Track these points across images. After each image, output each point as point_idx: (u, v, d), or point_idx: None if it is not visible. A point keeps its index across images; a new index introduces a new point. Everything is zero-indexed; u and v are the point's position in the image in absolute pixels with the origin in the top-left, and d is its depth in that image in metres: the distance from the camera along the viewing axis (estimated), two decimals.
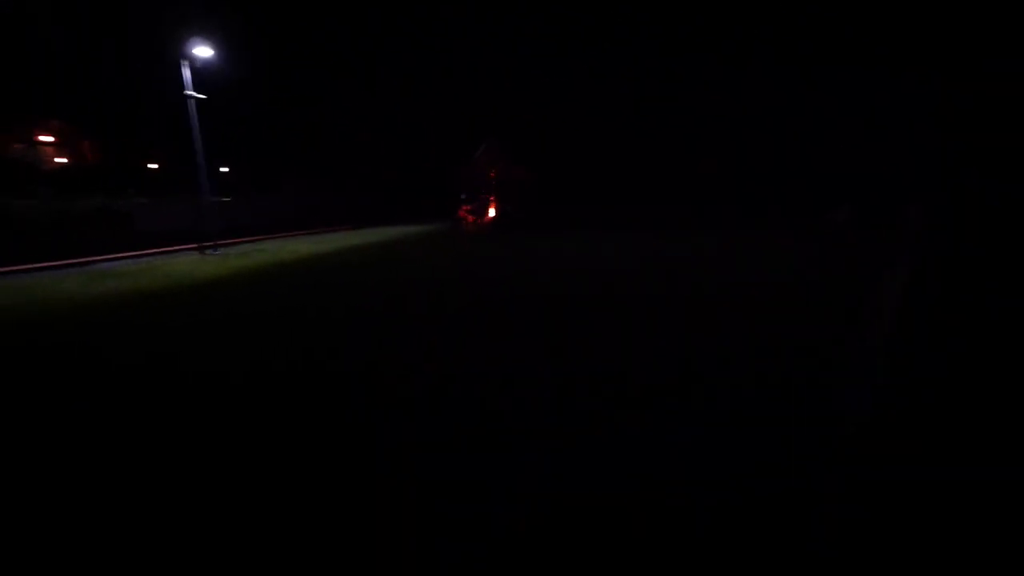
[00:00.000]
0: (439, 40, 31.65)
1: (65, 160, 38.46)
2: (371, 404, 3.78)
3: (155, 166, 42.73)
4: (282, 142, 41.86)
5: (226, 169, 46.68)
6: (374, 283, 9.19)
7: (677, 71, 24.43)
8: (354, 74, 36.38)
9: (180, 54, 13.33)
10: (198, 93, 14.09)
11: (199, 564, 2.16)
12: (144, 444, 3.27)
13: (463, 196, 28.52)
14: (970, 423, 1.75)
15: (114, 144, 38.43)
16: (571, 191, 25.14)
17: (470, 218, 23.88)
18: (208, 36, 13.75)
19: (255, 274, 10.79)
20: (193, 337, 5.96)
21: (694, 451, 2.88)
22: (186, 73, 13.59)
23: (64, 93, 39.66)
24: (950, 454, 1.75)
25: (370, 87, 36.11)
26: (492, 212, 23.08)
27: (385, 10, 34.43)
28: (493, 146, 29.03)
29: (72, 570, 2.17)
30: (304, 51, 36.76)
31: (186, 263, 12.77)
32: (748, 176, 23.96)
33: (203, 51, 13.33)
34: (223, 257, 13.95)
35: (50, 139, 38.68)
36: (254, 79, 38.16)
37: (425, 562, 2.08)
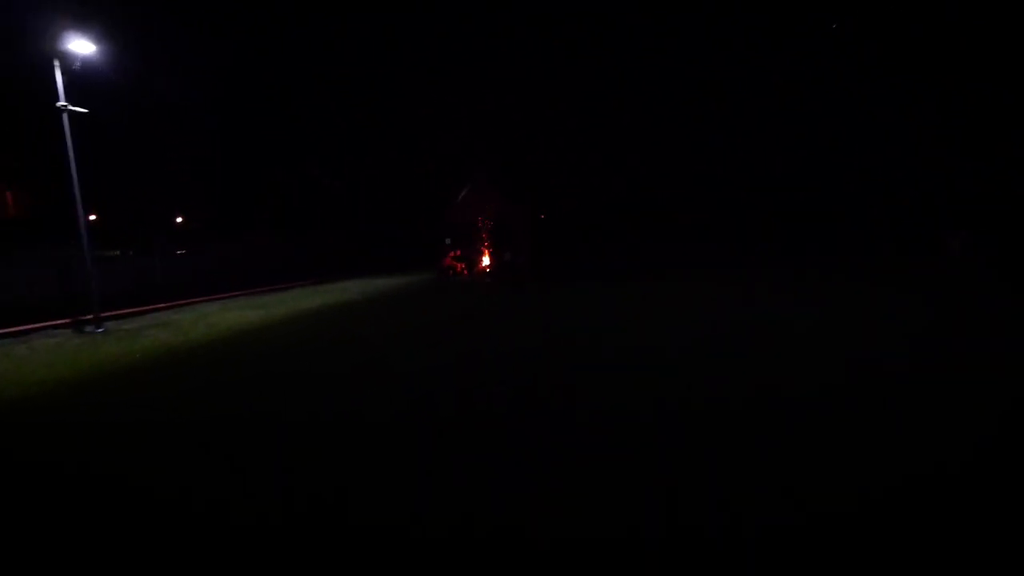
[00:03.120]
0: (420, 61, 28.30)
1: None
2: None
3: (94, 217, 37.86)
4: (241, 185, 37.76)
5: (180, 219, 42.19)
6: (318, 400, 4.81)
7: (702, 84, 21.24)
8: (322, 106, 32.98)
9: (49, 51, 9.30)
10: (80, 107, 9.97)
11: None
12: None
13: (447, 242, 24.68)
14: None
15: (42, 193, 33.53)
16: (582, 233, 21.36)
17: (459, 266, 19.88)
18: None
19: (122, 378, 6.27)
20: None
21: None
22: (59, 77, 9.51)
23: None
24: None
25: (340, 120, 32.72)
26: (486, 260, 19.14)
27: (358, 32, 31.37)
28: (481, 182, 25.58)
29: None
30: (266, 78, 33.28)
31: (17, 356, 8.11)
32: (802, 199, 20.13)
33: (81, 46, 9.34)
34: (101, 339, 9.36)
35: None
36: (210, 113, 34.40)
37: None
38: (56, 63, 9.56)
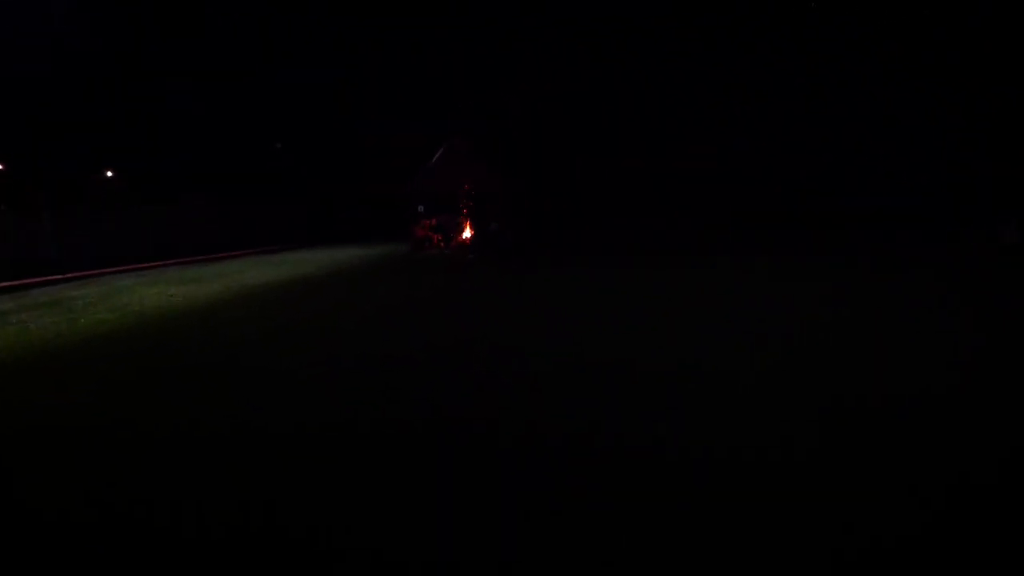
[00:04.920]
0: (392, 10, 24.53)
1: None
2: None
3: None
4: (188, 138, 33.22)
5: (110, 173, 37.25)
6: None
7: (712, 42, 19.05)
8: (280, 53, 28.88)
9: None
10: None
11: None
12: None
13: (421, 209, 22.24)
14: None
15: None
16: (577, 203, 19.29)
17: (436, 237, 17.62)
18: None
19: None
20: None
21: None
22: None
23: None
24: None
25: (301, 73, 28.86)
26: (467, 232, 16.93)
27: None
28: (460, 145, 23.09)
29: None
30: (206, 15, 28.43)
31: None
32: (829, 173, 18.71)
33: None
34: None
35: None
36: (150, 51, 29.44)
37: None
38: None
